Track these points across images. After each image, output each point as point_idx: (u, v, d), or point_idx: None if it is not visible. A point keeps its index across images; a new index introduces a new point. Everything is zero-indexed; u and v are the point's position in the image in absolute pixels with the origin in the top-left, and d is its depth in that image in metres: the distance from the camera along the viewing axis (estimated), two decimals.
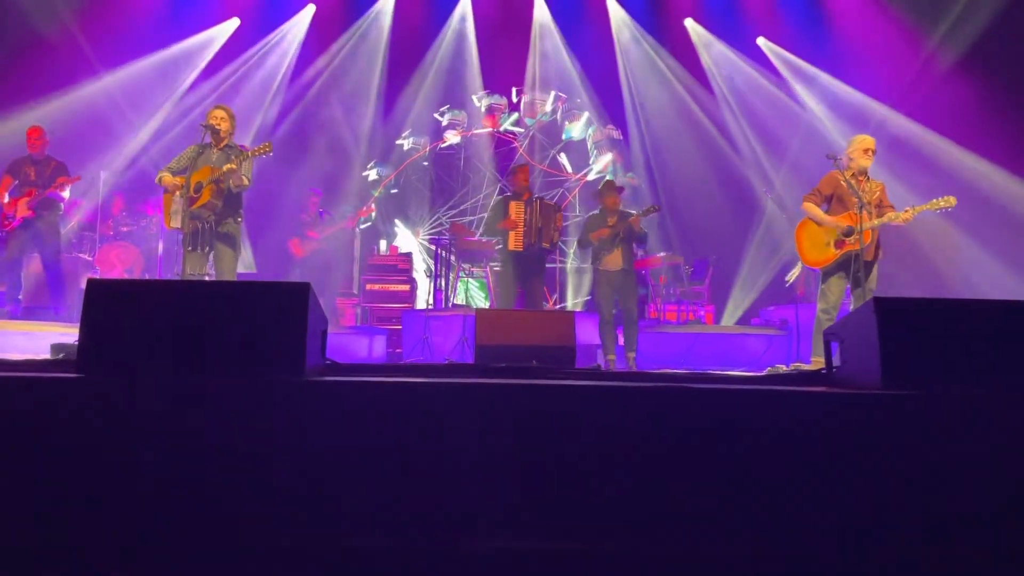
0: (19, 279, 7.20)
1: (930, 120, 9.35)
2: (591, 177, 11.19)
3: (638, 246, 7.04)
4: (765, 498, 2.15)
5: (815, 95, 10.43)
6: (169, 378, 2.31)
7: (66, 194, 7.31)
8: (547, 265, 7.48)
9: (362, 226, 10.49)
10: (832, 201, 5.50)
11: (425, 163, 11.41)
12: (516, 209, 6.84)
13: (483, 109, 11.37)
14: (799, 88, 10.54)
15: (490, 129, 11.35)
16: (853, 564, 2.10)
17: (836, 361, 2.94)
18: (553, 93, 11.34)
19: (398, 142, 11.33)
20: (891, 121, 9.70)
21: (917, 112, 9.45)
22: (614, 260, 6.73)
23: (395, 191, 11.35)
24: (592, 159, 11.37)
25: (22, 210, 6.97)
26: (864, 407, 2.24)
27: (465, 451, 2.18)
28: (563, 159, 11.44)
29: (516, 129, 11.50)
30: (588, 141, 11.38)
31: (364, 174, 11.21)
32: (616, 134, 11.16)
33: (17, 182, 7.05)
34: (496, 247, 7.36)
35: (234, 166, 5.27)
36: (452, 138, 11.32)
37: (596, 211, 7.11)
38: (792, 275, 8.22)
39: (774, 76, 10.69)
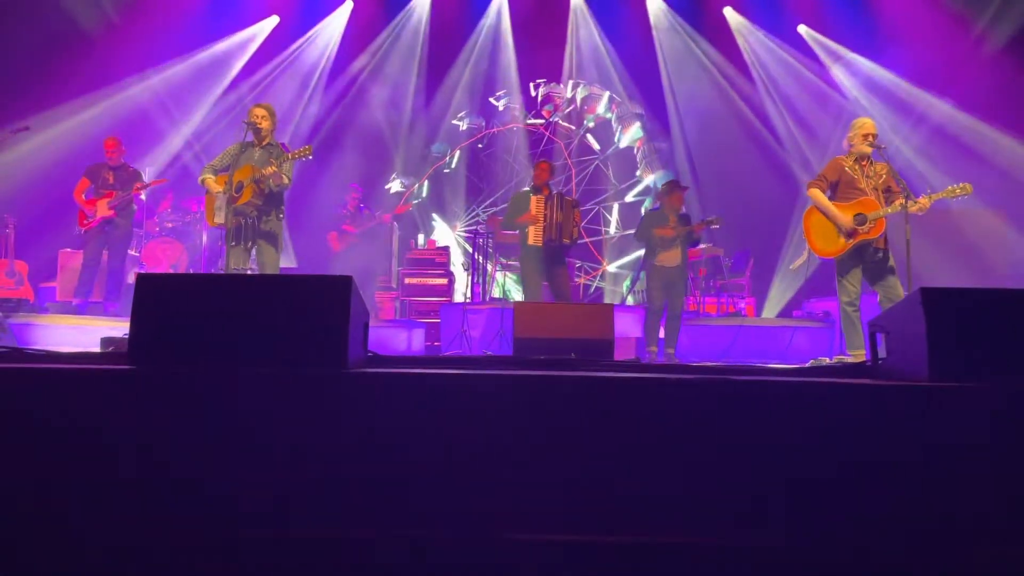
0: (94, 279, 7.31)
1: (975, 105, 9.09)
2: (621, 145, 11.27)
3: (690, 245, 7.23)
4: (809, 492, 2.12)
5: (857, 83, 10.21)
6: (216, 370, 2.36)
7: (143, 197, 7.57)
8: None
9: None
10: (839, 187, 5.34)
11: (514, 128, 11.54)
12: (537, 204, 6.84)
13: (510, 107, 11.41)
14: (841, 76, 10.33)
15: (572, 126, 11.39)
16: (901, 560, 2.07)
17: (881, 353, 2.89)
18: (608, 94, 11.29)
19: (494, 96, 11.46)
20: (935, 107, 9.46)
21: (962, 97, 9.20)
22: (672, 257, 6.92)
23: (480, 146, 11.50)
24: (623, 142, 11.32)
25: (102, 210, 7.15)
26: (912, 400, 2.19)
27: (506, 442, 2.19)
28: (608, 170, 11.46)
29: (565, 124, 11.52)
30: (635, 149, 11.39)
31: (454, 121, 11.35)
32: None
33: (94, 186, 7.27)
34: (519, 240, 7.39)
35: (274, 168, 5.36)
36: (547, 114, 11.37)
37: (655, 208, 7.27)
38: (798, 263, 8.06)
39: (815, 64, 10.49)
